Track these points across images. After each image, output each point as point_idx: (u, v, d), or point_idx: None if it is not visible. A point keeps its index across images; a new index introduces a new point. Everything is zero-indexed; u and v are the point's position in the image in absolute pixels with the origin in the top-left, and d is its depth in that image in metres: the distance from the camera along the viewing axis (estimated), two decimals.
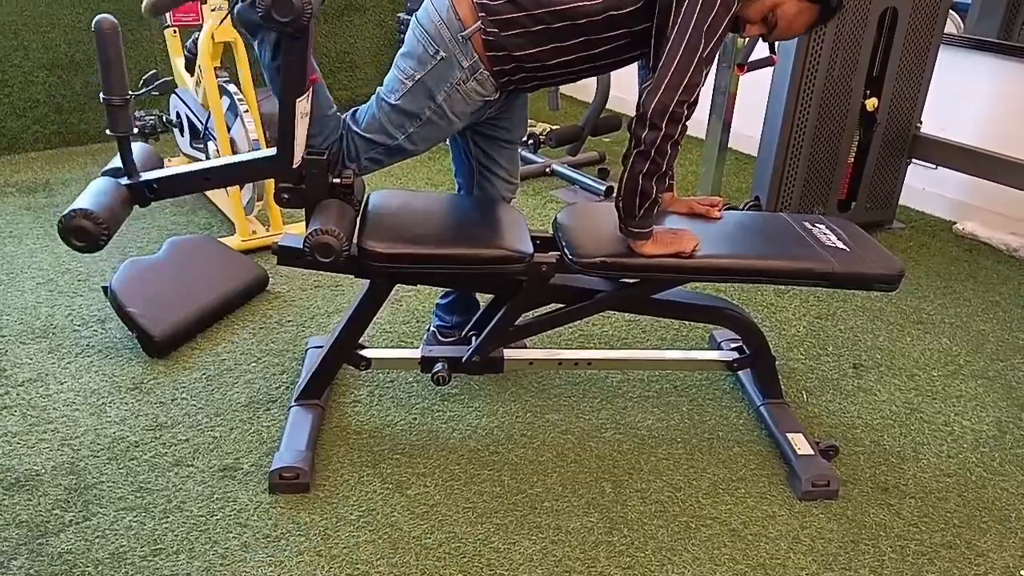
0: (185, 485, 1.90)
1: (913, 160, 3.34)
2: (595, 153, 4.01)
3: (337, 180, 1.87)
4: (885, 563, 1.75)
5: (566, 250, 1.89)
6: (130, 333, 2.40)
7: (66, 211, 1.65)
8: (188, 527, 1.78)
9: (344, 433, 2.09)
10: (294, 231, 3.05)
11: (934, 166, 3.40)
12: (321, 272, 2.32)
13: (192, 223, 3.23)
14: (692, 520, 1.85)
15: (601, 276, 1.94)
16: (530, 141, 3.96)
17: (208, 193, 3.38)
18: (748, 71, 2.72)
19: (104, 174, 1.84)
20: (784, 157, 3.10)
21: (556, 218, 2.04)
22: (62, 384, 2.23)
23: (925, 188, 3.60)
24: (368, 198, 2.04)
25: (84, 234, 1.65)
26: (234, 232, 3.06)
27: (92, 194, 1.72)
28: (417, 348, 2.14)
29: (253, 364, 2.35)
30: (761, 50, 2.83)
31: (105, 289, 2.66)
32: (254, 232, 3.03)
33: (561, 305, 2.05)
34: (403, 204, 2.04)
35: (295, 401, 2.09)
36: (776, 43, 2.78)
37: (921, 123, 3.28)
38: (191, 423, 2.10)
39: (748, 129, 3.75)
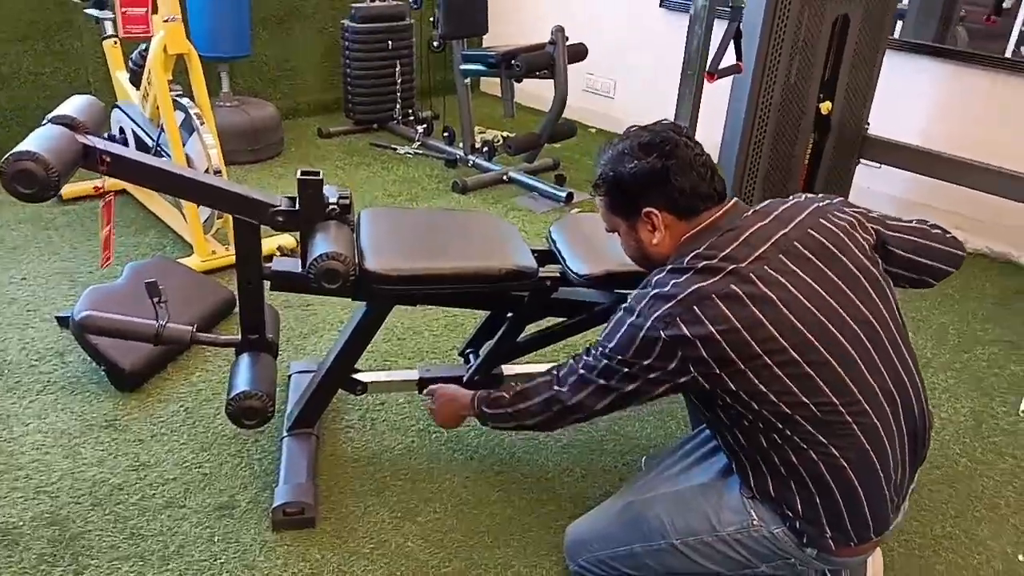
0: (181, 528, 1.79)
1: (861, 160, 3.46)
2: (549, 160, 4.00)
3: (333, 200, 1.80)
4: (895, 558, 1.80)
5: (569, 264, 1.87)
6: (94, 366, 2.26)
7: (8, 154, 1.46)
8: (191, 573, 1.68)
9: (341, 461, 2.01)
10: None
11: (879, 165, 3.53)
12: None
13: (142, 244, 3.07)
14: None
15: (605, 289, 1.93)
16: (484, 149, 3.92)
17: (157, 211, 3.21)
18: (717, 78, 2.76)
19: (52, 121, 1.63)
20: (745, 160, 3.15)
21: (551, 232, 2.02)
22: (27, 425, 2.08)
23: (870, 187, 3.73)
24: (360, 217, 1.97)
25: (30, 179, 1.45)
26: (191, 253, 2.92)
27: (41, 138, 1.53)
28: (413, 369, 2.09)
29: None
30: (729, 58, 2.87)
31: (60, 319, 2.50)
32: (213, 252, 2.89)
33: (560, 319, 2.03)
34: (397, 222, 1.98)
35: (287, 431, 2.00)
36: (742, 50, 2.84)
37: (868, 124, 3.40)
38: (176, 460, 1.99)
39: (706, 132, 3.80)
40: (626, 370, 1.38)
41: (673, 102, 3.58)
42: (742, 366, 1.30)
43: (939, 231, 1.62)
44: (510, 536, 1.82)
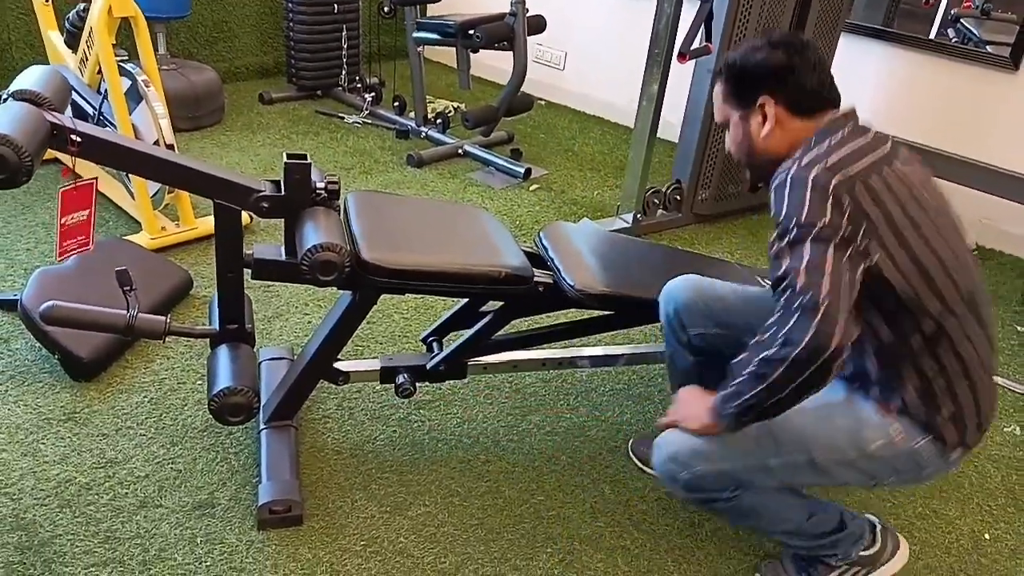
0: (159, 529, 1.70)
1: None
2: (503, 133, 3.93)
3: (320, 184, 1.71)
4: None
5: (566, 279, 1.83)
6: (46, 354, 2.11)
7: None
8: None
9: (323, 454, 1.95)
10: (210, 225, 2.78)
11: None
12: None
13: None
14: (695, 515, 1.88)
15: (598, 307, 1.91)
16: (438, 120, 3.83)
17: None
18: (689, 59, 2.75)
19: (14, 97, 1.50)
20: (705, 142, 3.17)
21: (542, 239, 1.98)
22: None
23: None
24: (346, 202, 1.88)
25: (1, 165, 1.35)
26: (136, 228, 2.76)
27: (7, 118, 1.41)
28: (421, 354, 2.04)
29: (199, 382, 2.13)
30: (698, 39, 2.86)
31: (1, 303, 2.32)
32: (163, 228, 2.74)
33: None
34: (388, 209, 1.91)
35: (265, 423, 1.92)
36: (712, 31, 2.83)
37: None
38: (146, 456, 1.88)
39: (667, 115, 3.79)
40: (815, 230, 1.29)
41: (623, 74, 3.56)
42: (896, 239, 1.35)
43: None
44: (503, 528, 1.80)
